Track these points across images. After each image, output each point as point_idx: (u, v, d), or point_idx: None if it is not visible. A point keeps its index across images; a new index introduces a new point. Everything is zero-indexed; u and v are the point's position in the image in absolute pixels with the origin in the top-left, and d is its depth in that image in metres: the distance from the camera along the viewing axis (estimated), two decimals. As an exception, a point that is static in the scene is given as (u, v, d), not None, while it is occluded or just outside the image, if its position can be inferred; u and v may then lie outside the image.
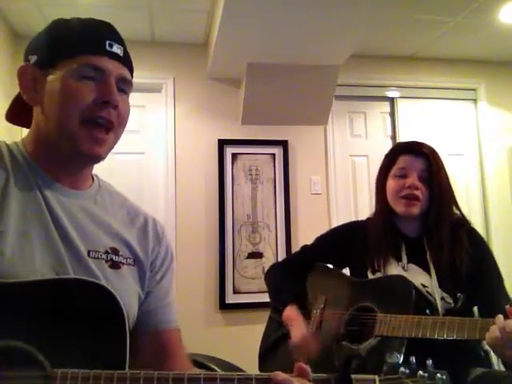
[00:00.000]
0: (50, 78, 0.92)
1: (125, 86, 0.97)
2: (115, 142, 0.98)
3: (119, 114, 0.95)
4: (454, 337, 1.26)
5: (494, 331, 1.20)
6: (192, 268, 3.20)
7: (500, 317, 1.21)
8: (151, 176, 3.31)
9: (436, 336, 1.28)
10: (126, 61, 0.97)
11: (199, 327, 3.17)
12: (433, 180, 1.55)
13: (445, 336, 1.27)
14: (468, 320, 1.30)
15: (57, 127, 0.91)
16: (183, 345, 1.07)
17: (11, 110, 1.03)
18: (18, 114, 1.01)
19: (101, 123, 0.92)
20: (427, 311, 1.41)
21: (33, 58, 0.95)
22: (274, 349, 1.70)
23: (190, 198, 3.28)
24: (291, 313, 1.61)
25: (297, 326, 1.56)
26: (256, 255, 3.29)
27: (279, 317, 1.65)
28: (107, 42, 0.93)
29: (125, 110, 0.97)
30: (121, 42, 0.97)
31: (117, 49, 0.94)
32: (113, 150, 0.99)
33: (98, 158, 0.96)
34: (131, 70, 1.00)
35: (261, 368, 1.72)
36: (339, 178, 3.52)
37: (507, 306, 1.22)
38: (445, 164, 1.59)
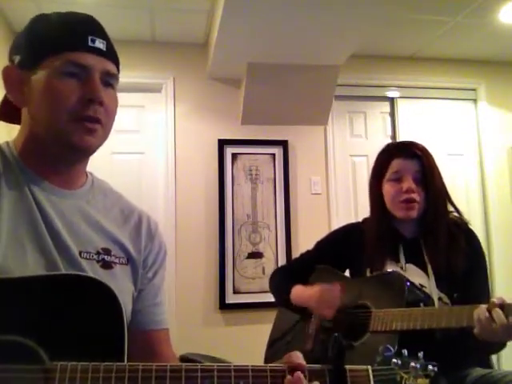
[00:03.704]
0: (34, 77, 0.91)
1: (110, 79, 0.95)
2: (105, 136, 0.96)
3: (106, 110, 0.93)
4: (443, 325, 1.27)
5: (481, 308, 1.21)
6: (192, 268, 3.21)
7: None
8: (151, 176, 3.31)
9: (426, 326, 1.29)
10: (109, 54, 0.95)
11: (199, 327, 3.17)
12: (427, 181, 1.55)
13: (434, 326, 1.28)
14: (456, 308, 1.32)
15: (44, 127, 0.91)
16: (171, 345, 1.07)
17: (2, 108, 1.01)
18: (9, 112, 0.99)
19: (88, 121, 0.91)
20: (421, 305, 1.42)
21: (16, 58, 0.94)
22: (284, 336, 1.71)
23: (190, 198, 3.28)
24: (299, 289, 1.60)
25: (309, 288, 1.56)
26: (256, 255, 3.29)
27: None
28: (89, 38, 0.91)
29: (112, 105, 0.96)
30: (103, 35, 0.95)
31: (99, 43, 0.92)
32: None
33: (89, 149, 0.94)
34: (117, 63, 0.98)
35: (267, 354, 1.72)
36: (339, 178, 3.52)
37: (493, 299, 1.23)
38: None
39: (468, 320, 1.23)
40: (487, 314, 1.19)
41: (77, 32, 0.92)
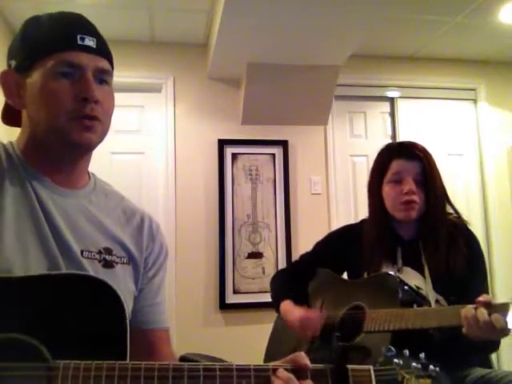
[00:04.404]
0: (29, 80, 0.92)
1: (104, 76, 0.95)
2: (104, 132, 0.97)
3: (102, 107, 0.94)
4: (434, 325, 1.28)
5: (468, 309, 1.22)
6: (192, 268, 3.21)
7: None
8: (151, 176, 3.31)
9: (418, 326, 1.29)
10: (101, 51, 0.95)
11: (199, 327, 3.17)
12: (428, 183, 1.55)
13: (425, 325, 1.29)
14: (446, 308, 1.33)
15: (44, 128, 0.92)
16: (171, 345, 1.07)
17: (4, 112, 1.03)
18: (11, 115, 1.00)
19: (86, 118, 0.92)
20: (414, 306, 1.42)
21: (13, 63, 0.95)
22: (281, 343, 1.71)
23: (190, 197, 3.28)
24: (286, 306, 1.63)
25: (294, 310, 1.58)
26: (256, 255, 3.29)
27: None
28: (78, 36, 0.92)
29: (107, 101, 0.96)
30: (93, 33, 0.95)
31: (89, 41, 0.93)
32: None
33: (89, 146, 0.95)
34: (110, 59, 0.98)
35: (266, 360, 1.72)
36: (339, 177, 3.51)
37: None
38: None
39: (457, 319, 1.24)
40: (473, 312, 1.20)
41: (66, 32, 0.92)
